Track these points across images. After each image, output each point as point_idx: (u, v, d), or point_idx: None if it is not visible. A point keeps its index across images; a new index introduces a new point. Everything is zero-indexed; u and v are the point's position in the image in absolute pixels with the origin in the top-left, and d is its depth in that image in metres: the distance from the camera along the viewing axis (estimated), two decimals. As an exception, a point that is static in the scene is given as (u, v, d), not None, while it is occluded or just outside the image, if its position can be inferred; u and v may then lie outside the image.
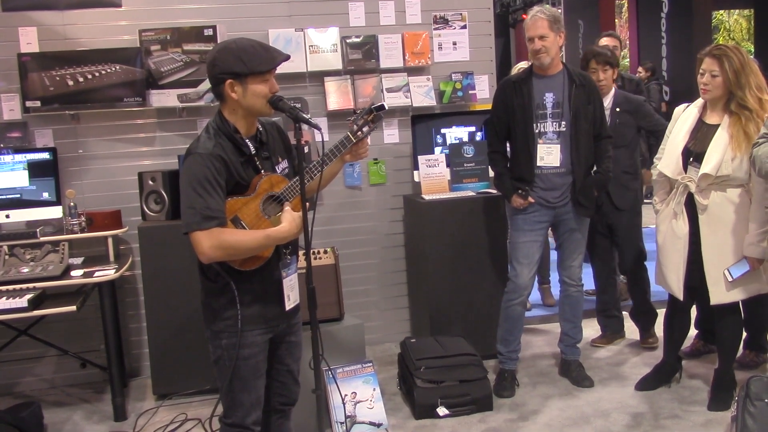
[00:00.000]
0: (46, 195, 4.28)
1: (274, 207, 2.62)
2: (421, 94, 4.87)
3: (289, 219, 2.57)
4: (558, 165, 3.95)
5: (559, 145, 3.94)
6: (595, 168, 4.08)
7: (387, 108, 2.84)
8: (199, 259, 2.54)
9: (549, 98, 3.95)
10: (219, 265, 2.56)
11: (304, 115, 2.60)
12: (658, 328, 4.50)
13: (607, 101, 4.43)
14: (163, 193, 4.23)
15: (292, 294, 2.73)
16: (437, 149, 4.80)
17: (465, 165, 4.69)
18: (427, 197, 4.58)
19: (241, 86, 2.52)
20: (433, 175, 4.69)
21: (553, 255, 4.69)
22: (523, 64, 5.44)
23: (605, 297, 4.76)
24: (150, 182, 4.25)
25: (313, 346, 2.68)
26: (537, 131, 3.95)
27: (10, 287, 3.79)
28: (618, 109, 4.43)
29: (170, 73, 4.42)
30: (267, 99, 2.56)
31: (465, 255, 4.51)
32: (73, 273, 3.95)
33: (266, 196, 2.62)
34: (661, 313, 4.14)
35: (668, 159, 3.77)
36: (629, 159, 4.51)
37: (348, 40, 4.76)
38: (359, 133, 2.76)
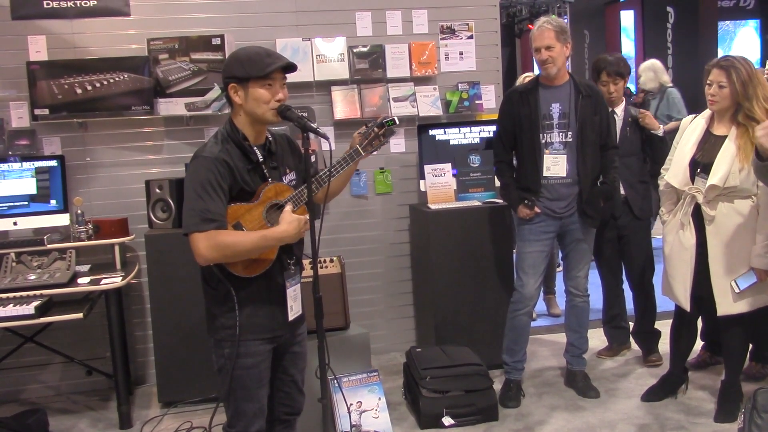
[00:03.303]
0: (53, 202, 4.30)
1: (277, 215, 2.62)
2: (428, 104, 4.88)
3: (287, 220, 2.55)
4: (564, 175, 3.95)
5: (565, 156, 3.94)
6: (601, 178, 4.08)
7: (398, 122, 2.83)
8: (200, 265, 2.55)
9: (555, 108, 3.95)
10: (220, 271, 2.57)
11: (312, 125, 2.61)
12: (663, 343, 4.49)
13: (620, 110, 4.46)
14: (169, 201, 4.24)
15: (295, 304, 2.73)
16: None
17: (471, 174, 4.70)
18: (433, 207, 4.59)
19: (243, 90, 2.57)
20: (439, 184, 4.69)
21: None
22: (529, 75, 5.46)
23: (612, 308, 4.74)
24: (157, 190, 4.27)
25: (319, 355, 2.68)
26: (543, 141, 3.95)
27: (17, 294, 3.80)
28: (630, 119, 4.46)
29: (178, 81, 4.44)
30: (271, 106, 2.58)
31: (471, 265, 4.51)
32: (80, 280, 3.96)
33: (270, 204, 2.62)
34: (667, 324, 4.13)
35: (675, 170, 3.77)
36: (642, 167, 4.51)
37: (355, 50, 4.77)
38: (369, 147, 2.77)
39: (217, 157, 2.52)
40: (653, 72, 6.73)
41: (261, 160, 2.63)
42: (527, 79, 5.18)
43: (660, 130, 4.45)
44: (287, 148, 2.80)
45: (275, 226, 2.58)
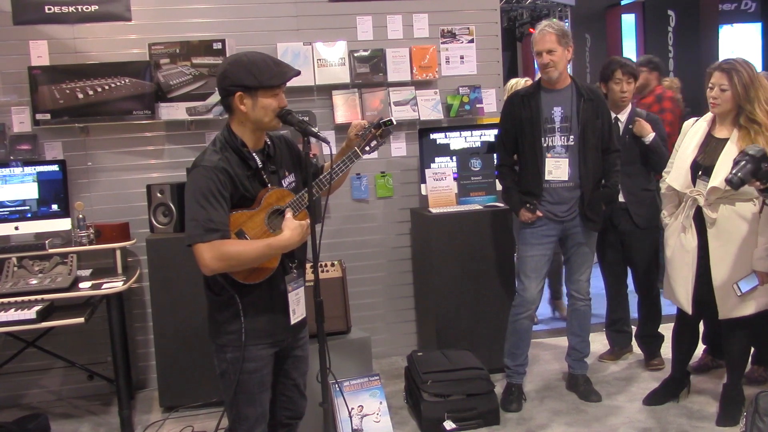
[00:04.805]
0: (54, 207, 4.30)
1: (279, 221, 2.62)
2: (429, 108, 4.88)
3: (290, 227, 2.56)
4: (566, 179, 3.95)
5: (567, 159, 3.94)
6: (603, 182, 4.07)
7: (396, 123, 2.85)
8: (202, 272, 2.54)
9: (557, 112, 3.95)
10: (223, 278, 2.56)
11: (313, 129, 2.61)
12: (665, 347, 4.48)
13: (624, 116, 4.41)
14: (171, 205, 4.25)
15: (297, 308, 2.73)
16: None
17: (472, 178, 4.70)
18: (434, 210, 4.58)
19: (251, 99, 2.54)
20: (440, 188, 4.69)
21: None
22: (514, 82, 5.45)
23: (615, 312, 4.73)
24: (158, 195, 4.27)
25: (320, 359, 2.68)
26: (545, 145, 3.95)
27: (19, 299, 3.80)
28: (631, 126, 4.38)
29: (179, 86, 4.45)
30: (276, 113, 2.57)
31: (472, 268, 4.50)
32: (81, 285, 3.96)
33: (271, 210, 2.62)
34: (669, 327, 4.12)
35: (677, 172, 3.77)
36: (645, 175, 4.44)
37: (356, 54, 4.78)
38: (366, 148, 2.77)
39: (217, 165, 2.51)
40: None
41: (260, 166, 2.63)
42: (520, 84, 5.19)
43: (649, 136, 4.31)
44: (285, 150, 2.80)
45: (278, 232, 2.58)
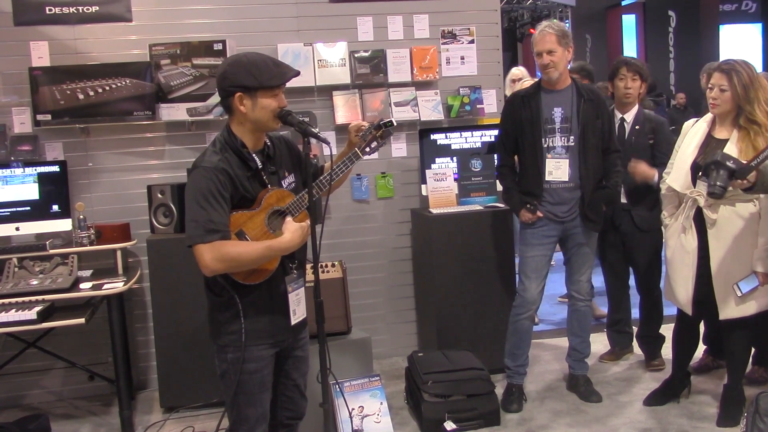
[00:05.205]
0: (55, 208, 4.30)
1: (279, 221, 2.62)
2: (429, 108, 4.88)
3: (291, 229, 2.57)
4: (566, 179, 3.95)
5: (567, 160, 3.94)
6: (603, 182, 4.07)
7: (396, 124, 2.85)
8: (203, 273, 2.55)
9: (557, 113, 3.95)
10: (223, 279, 2.57)
11: (313, 129, 2.61)
12: (665, 348, 4.48)
13: (630, 116, 4.41)
14: (171, 206, 4.25)
15: (298, 308, 2.73)
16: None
17: (472, 179, 4.70)
18: (434, 211, 4.59)
19: (251, 100, 2.54)
20: (441, 188, 4.69)
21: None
22: (516, 71, 5.43)
23: (617, 312, 4.72)
24: (159, 195, 4.27)
25: (320, 359, 2.68)
26: (546, 146, 3.95)
27: (20, 299, 3.80)
28: (638, 127, 4.38)
29: (180, 87, 4.45)
30: (275, 113, 2.57)
31: (472, 269, 4.50)
32: (82, 285, 3.96)
33: (271, 211, 2.62)
34: (670, 328, 4.12)
35: (677, 173, 3.77)
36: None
37: (356, 55, 4.78)
38: (367, 149, 2.78)
39: (217, 166, 2.52)
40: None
41: (260, 166, 2.63)
42: (519, 75, 5.18)
43: (655, 176, 4.20)
44: (285, 151, 2.80)
45: (278, 233, 2.58)
